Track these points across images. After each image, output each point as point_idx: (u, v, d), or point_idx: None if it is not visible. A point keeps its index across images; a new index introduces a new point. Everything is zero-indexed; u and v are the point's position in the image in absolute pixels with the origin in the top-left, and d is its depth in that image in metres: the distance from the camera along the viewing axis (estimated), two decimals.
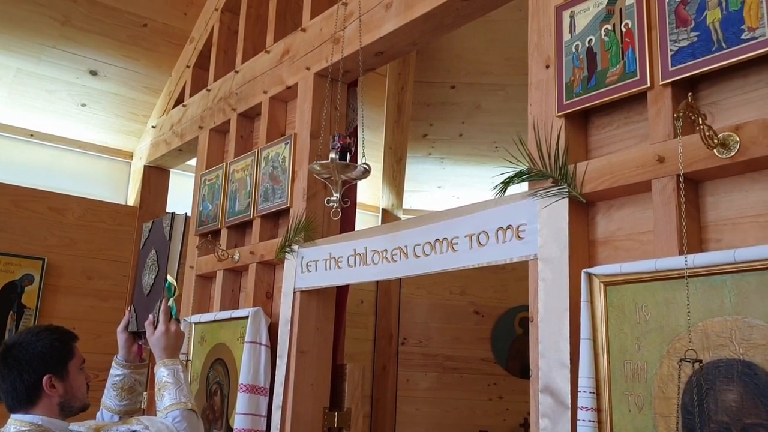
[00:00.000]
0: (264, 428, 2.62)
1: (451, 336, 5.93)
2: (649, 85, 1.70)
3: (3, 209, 4.24)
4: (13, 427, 1.83)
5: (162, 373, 2.10)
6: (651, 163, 1.65)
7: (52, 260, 4.37)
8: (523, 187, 1.97)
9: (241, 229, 3.26)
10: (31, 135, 4.54)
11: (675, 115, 1.54)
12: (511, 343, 5.94)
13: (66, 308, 4.36)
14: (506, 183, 1.92)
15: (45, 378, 1.85)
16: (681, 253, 1.53)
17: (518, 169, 1.92)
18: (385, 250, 2.36)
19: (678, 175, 1.57)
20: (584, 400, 1.60)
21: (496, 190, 1.94)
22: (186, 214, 2.50)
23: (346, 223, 2.88)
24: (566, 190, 1.81)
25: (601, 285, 1.64)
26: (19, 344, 1.88)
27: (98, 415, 2.27)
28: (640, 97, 1.76)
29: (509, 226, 1.96)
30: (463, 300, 5.98)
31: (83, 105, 4.50)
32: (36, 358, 1.86)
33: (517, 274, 5.68)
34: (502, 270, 5.79)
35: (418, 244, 2.24)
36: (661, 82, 1.67)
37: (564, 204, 1.82)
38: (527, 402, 1.89)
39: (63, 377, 1.89)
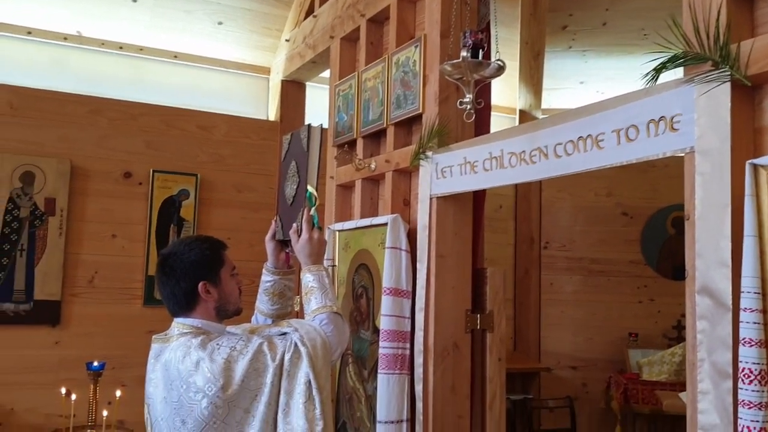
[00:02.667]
0: (408, 329, 2.69)
1: (597, 239, 5.77)
2: None
3: (156, 129, 4.52)
4: (177, 329, 1.99)
5: (308, 278, 2.18)
6: None
7: (204, 176, 4.64)
8: (678, 73, 1.78)
9: (376, 137, 3.26)
10: (175, 56, 4.75)
11: None
12: (662, 244, 5.68)
13: (220, 220, 4.65)
14: (658, 70, 1.74)
15: (200, 284, 1.98)
16: None
17: (672, 54, 1.73)
18: (523, 151, 2.25)
19: None
20: (748, 301, 1.47)
21: (646, 79, 1.77)
22: (321, 125, 2.52)
23: (481, 125, 2.78)
24: (728, 73, 1.61)
25: None
26: (174, 254, 2.01)
27: (253, 318, 2.42)
28: None
29: (662, 118, 1.79)
30: (610, 201, 5.76)
31: (220, 23, 4.61)
32: (190, 266, 1.98)
33: (669, 171, 5.35)
34: (652, 168, 5.47)
35: (560, 143, 2.12)
36: None
37: (725, 89, 1.62)
38: (680, 304, 1.78)
39: (216, 283, 2.02)
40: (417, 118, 2.88)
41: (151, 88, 4.66)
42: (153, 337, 2.05)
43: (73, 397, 3.58)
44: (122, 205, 4.41)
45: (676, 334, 5.38)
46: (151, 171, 4.48)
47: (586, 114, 2.03)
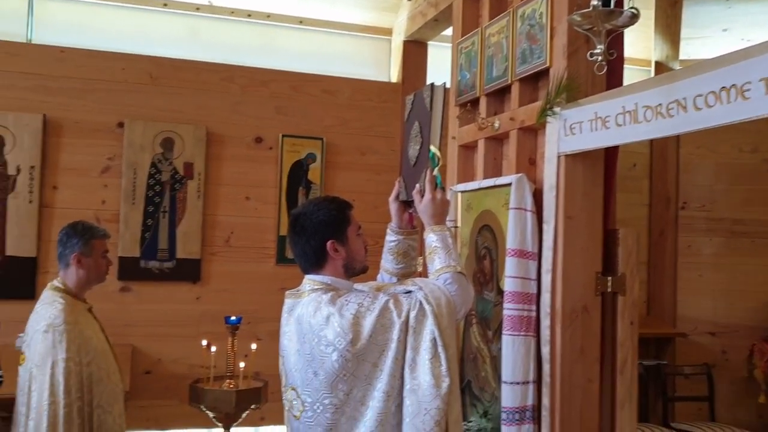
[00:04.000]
0: (534, 291, 2.64)
1: (741, 198, 5.39)
2: None
3: (284, 94, 4.67)
4: (308, 285, 2.08)
5: (431, 238, 2.19)
6: None
7: (329, 139, 4.75)
8: None
9: (500, 95, 3.17)
10: (300, 21, 4.85)
11: None
12: None
13: (345, 182, 4.76)
14: None
15: (328, 243, 2.05)
16: None
17: None
18: (660, 104, 2.12)
19: None
20: None
21: None
22: (444, 84, 2.49)
23: (613, 78, 2.63)
24: None
25: None
26: (304, 214, 2.09)
27: (379, 276, 2.47)
28: None
29: None
30: (756, 158, 5.35)
31: None
32: (319, 226, 2.06)
33: None
34: None
35: (700, 95, 1.97)
36: None
37: None
38: None
39: (343, 242, 2.08)
40: (544, 73, 2.78)
41: (279, 54, 4.80)
42: (286, 293, 2.14)
43: (213, 349, 3.83)
44: (254, 169, 4.62)
45: None
46: (281, 136, 4.64)
47: (730, 62, 1.88)
